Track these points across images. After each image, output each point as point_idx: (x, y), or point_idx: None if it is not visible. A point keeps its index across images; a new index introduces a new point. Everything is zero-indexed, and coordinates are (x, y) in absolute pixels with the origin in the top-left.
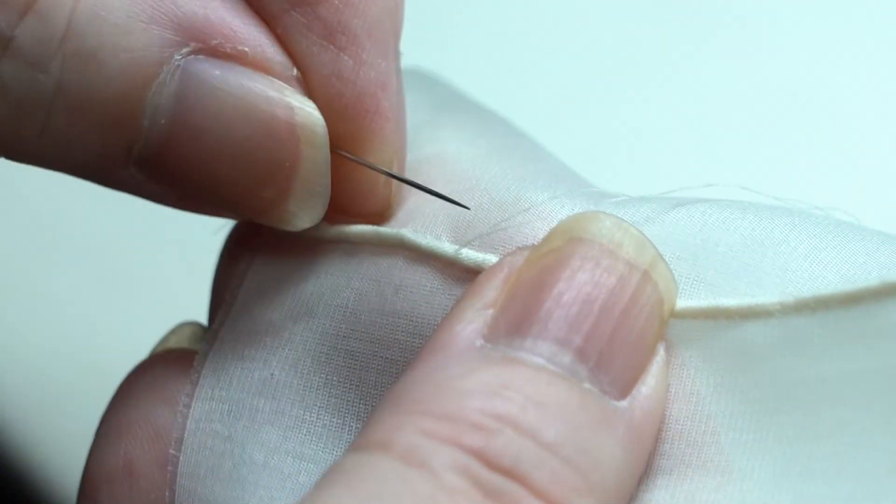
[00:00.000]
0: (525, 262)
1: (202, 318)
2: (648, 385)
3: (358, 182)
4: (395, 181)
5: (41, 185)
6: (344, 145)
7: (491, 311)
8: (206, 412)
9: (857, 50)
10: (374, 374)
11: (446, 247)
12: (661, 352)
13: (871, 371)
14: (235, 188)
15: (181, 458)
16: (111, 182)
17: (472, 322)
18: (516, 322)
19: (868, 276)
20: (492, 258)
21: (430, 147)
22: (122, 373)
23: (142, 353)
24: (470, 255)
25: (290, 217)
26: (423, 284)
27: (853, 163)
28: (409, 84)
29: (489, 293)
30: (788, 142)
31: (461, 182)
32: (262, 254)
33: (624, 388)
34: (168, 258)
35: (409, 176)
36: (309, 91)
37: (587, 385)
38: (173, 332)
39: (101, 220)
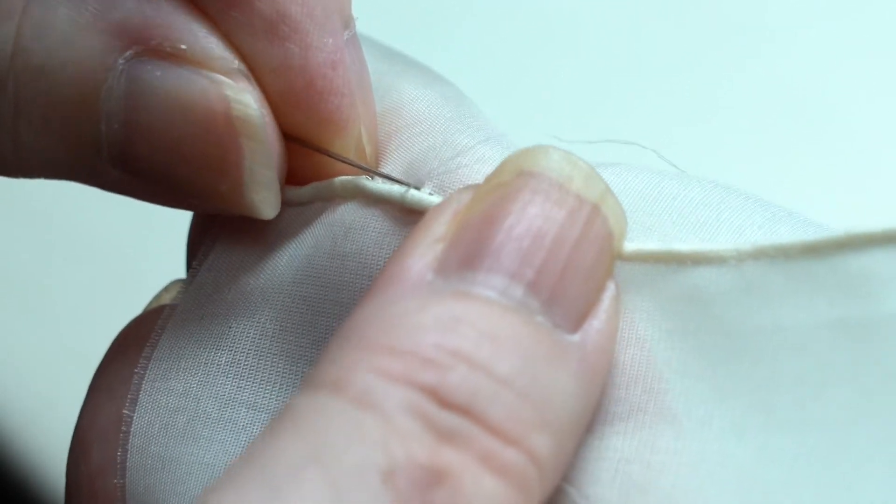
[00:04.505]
0: (474, 196)
1: None
2: (600, 320)
3: (330, 163)
4: (369, 147)
5: (42, 185)
6: (309, 133)
7: (441, 246)
8: (163, 370)
9: (844, 45)
10: (325, 318)
11: (395, 189)
12: (611, 287)
13: (831, 323)
14: (195, 184)
15: (134, 416)
16: (102, 184)
17: (423, 256)
18: (467, 256)
19: None
20: (439, 200)
21: (390, 97)
22: None
23: None
24: (415, 195)
25: (254, 208)
26: (373, 226)
27: (827, 157)
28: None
29: (439, 227)
30: (776, 137)
31: (418, 125)
32: (232, 220)
33: (576, 322)
34: (170, 257)
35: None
36: (262, 86)
37: (540, 318)
38: (166, 289)
39: (102, 219)
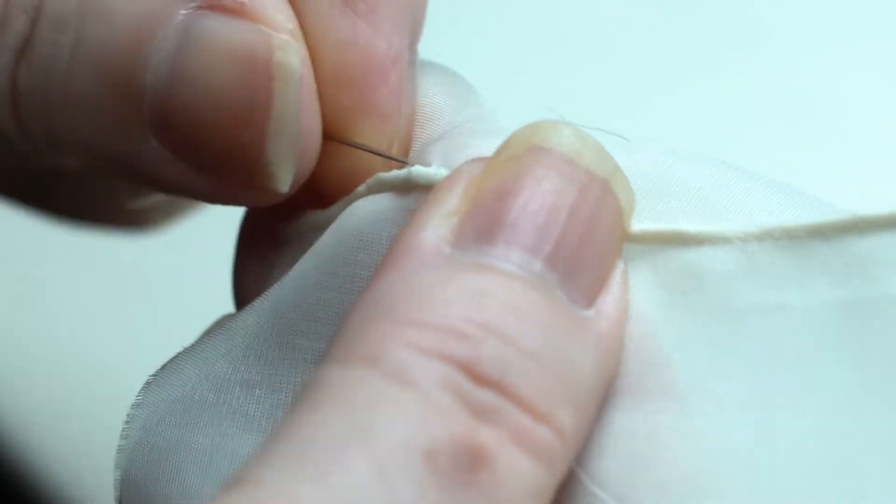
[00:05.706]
0: (485, 169)
1: (204, 317)
2: (613, 296)
3: (359, 161)
4: (396, 161)
5: None
6: (347, 115)
7: (456, 219)
8: (167, 371)
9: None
10: (317, 290)
11: (401, 172)
12: (620, 264)
13: (834, 304)
14: (220, 133)
15: (136, 412)
16: (137, 164)
17: (438, 229)
18: (484, 229)
19: None
20: (444, 173)
21: None
22: (122, 373)
23: (142, 354)
24: (421, 171)
25: (269, 173)
26: (369, 209)
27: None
28: None
29: (451, 200)
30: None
31: (428, 124)
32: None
33: (591, 297)
34: (171, 258)
35: None
36: (320, 55)
37: (558, 293)
38: None
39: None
